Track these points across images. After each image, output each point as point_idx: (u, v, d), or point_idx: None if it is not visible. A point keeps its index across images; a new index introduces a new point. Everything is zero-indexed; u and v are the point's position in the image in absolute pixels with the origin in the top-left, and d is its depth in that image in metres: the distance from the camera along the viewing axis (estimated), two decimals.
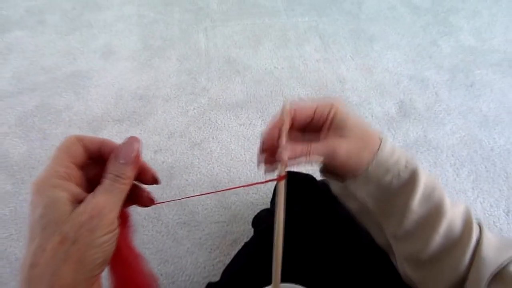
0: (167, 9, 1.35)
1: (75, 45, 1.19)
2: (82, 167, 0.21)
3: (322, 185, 0.53)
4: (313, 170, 0.89)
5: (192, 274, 0.72)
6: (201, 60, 1.15)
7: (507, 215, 0.82)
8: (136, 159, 0.20)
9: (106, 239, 0.18)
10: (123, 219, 0.20)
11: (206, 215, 0.80)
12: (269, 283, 0.27)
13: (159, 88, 1.07)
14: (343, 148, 0.25)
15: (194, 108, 1.01)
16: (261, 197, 0.84)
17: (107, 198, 0.18)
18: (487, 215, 0.81)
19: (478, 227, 0.26)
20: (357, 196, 0.28)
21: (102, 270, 0.19)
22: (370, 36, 1.23)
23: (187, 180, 0.86)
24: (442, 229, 0.25)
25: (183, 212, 0.80)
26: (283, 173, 0.24)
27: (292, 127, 0.26)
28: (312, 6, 1.36)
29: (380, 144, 0.26)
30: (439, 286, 0.26)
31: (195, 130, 0.96)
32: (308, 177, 0.52)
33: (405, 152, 0.27)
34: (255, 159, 0.90)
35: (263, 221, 0.71)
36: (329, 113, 0.26)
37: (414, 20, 1.30)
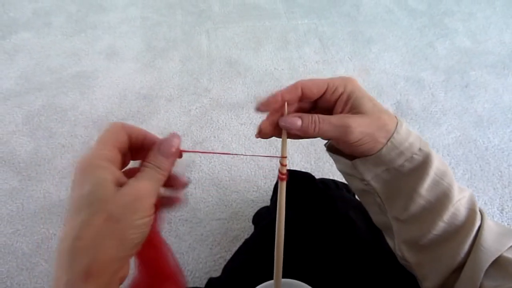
0: (170, 11, 1.37)
1: (80, 46, 1.22)
2: (123, 153, 0.22)
3: (321, 183, 0.55)
4: (312, 169, 0.92)
5: (193, 270, 0.74)
6: (203, 61, 1.18)
7: (501, 212, 0.84)
8: (175, 154, 0.22)
9: (144, 222, 0.19)
10: (156, 208, 0.21)
11: (207, 212, 0.82)
12: (269, 278, 0.27)
13: (162, 89, 1.09)
14: (358, 125, 0.23)
15: (196, 108, 1.03)
16: (261, 195, 0.86)
17: (148, 185, 0.20)
18: (490, 219, 0.83)
19: (480, 215, 0.26)
20: (363, 177, 0.27)
21: (136, 251, 0.20)
22: (368, 38, 1.26)
23: (188, 178, 0.88)
24: (447, 215, 0.25)
25: (185, 209, 0.82)
26: (284, 171, 0.24)
27: (300, 100, 0.25)
28: (312, 8, 1.39)
29: (396, 126, 0.25)
30: (436, 271, 0.26)
31: (197, 130, 0.98)
32: (307, 176, 0.52)
33: (419, 135, 0.26)
34: (255, 157, 0.93)
35: (263, 218, 0.73)
36: (343, 90, 0.24)
37: (411, 23, 1.32)
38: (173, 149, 0.21)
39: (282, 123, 0.24)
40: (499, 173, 0.90)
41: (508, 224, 0.82)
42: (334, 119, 0.24)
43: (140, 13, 1.36)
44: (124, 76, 1.12)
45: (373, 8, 1.39)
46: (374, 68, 1.15)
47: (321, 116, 0.24)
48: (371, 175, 0.26)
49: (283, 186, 0.25)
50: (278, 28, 1.30)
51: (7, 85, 1.09)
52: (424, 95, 1.07)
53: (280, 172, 0.25)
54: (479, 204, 0.90)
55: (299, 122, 0.24)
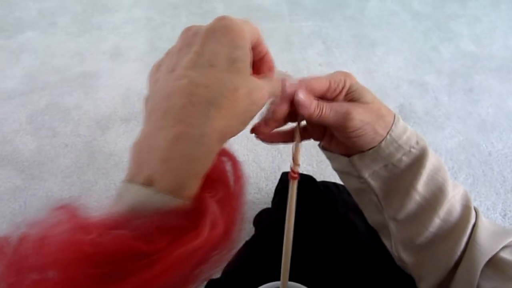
0: (175, 12, 1.38)
1: (84, 46, 1.23)
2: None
3: (322, 186, 0.55)
4: (314, 171, 0.91)
5: None
6: None
7: (504, 217, 0.83)
8: (286, 93, 0.23)
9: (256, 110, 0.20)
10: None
11: None
12: (269, 280, 0.27)
13: None
14: (358, 113, 0.24)
15: None
16: (262, 197, 0.86)
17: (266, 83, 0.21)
18: (484, 217, 0.83)
19: (474, 212, 0.26)
20: (361, 174, 0.26)
21: (238, 132, 0.20)
22: (372, 41, 1.25)
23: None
24: (443, 212, 0.25)
25: None
26: (296, 169, 0.24)
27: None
28: (316, 11, 1.39)
29: (394, 120, 0.25)
30: (433, 271, 0.26)
31: None
32: (309, 178, 0.53)
33: (414, 130, 0.26)
34: (257, 159, 0.93)
35: (264, 220, 0.73)
36: (344, 85, 0.25)
37: (415, 26, 1.32)
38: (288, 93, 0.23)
39: (296, 99, 0.23)
40: (502, 178, 0.89)
41: None
42: (335, 105, 0.24)
43: (145, 14, 1.36)
44: (127, 76, 1.13)
45: (378, 11, 1.38)
46: (377, 71, 1.15)
47: (323, 102, 0.24)
48: (368, 172, 0.26)
49: (294, 187, 0.24)
50: (282, 30, 1.30)
51: (12, 84, 1.10)
52: (428, 99, 1.07)
53: (292, 170, 0.24)
54: (481, 210, 0.90)
55: (312, 104, 0.24)
